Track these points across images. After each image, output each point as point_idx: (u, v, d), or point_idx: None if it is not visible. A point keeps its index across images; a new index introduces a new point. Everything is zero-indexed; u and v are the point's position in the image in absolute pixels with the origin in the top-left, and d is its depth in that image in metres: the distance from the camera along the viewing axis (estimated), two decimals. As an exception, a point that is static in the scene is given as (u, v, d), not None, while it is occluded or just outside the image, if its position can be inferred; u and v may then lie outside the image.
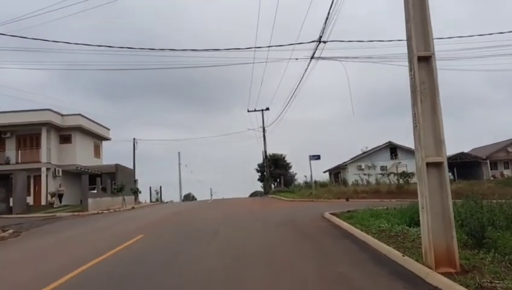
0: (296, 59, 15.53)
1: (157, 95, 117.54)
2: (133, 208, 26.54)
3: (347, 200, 24.09)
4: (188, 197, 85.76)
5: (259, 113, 44.39)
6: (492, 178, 48.01)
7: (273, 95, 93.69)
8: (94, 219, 19.15)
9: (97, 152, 36.78)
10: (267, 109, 44.18)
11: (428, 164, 5.92)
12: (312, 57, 14.76)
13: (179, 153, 55.59)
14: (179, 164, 55.29)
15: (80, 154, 32.53)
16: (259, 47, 15.27)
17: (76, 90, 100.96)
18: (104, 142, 38.55)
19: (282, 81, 71.19)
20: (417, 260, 6.14)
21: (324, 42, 14.24)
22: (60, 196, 29.08)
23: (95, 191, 27.60)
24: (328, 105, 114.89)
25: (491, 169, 50.40)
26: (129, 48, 14.18)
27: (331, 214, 13.09)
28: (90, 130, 34.01)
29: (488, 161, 49.89)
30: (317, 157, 25.75)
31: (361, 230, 9.41)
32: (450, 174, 47.33)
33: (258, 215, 14.54)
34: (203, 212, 17.90)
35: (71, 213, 23.19)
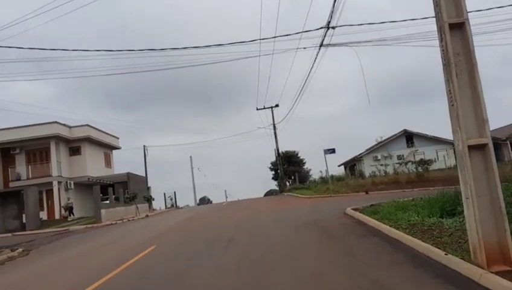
0: (304, 48, 14.75)
1: (167, 101, 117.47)
2: (147, 216, 26.00)
3: (366, 193, 23.21)
4: (204, 201, 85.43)
5: (269, 111, 43.60)
6: (514, 160, 46.54)
7: (281, 91, 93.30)
8: (107, 230, 18.60)
9: (108, 162, 36.41)
10: (277, 105, 43.34)
11: (470, 147, 5.07)
12: (321, 45, 13.93)
13: (190, 157, 55.10)
14: (192, 168, 54.85)
15: (91, 165, 32.16)
16: (265, 38, 14.43)
17: (85, 102, 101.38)
18: (114, 151, 38.20)
19: (291, 74, 70.22)
20: (463, 258, 5.31)
21: (333, 28, 13.40)
22: (70, 209, 28.70)
23: (108, 202, 27.15)
24: (339, 98, 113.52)
25: (512, 150, 48.76)
26: (129, 50, 13.50)
27: (353, 209, 12.27)
28: (99, 140, 33.64)
29: (508, 142, 48.24)
30: (332, 151, 24.84)
31: (390, 226, 8.57)
32: (469, 158, 46.14)
33: (275, 217, 13.76)
34: (216, 217, 17.20)
35: (85, 226, 22.73)
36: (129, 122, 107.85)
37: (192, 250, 8.86)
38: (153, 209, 36.96)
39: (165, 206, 44.73)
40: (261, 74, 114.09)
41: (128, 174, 32.56)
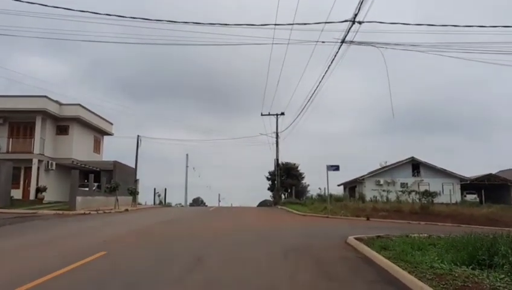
0: (323, 42, 12.69)
1: (177, 96, 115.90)
2: (126, 210, 23.85)
3: (368, 219, 21.01)
4: (197, 202, 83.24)
5: (273, 119, 41.58)
6: (521, 203, 44.26)
7: (290, 99, 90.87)
8: (74, 220, 16.50)
9: (97, 147, 34.30)
10: (282, 113, 41.28)
11: None
12: (343, 41, 11.88)
13: (187, 155, 52.93)
14: (186, 167, 52.61)
15: (77, 148, 30.07)
16: (280, 24, 12.28)
17: (99, 87, 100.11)
18: (107, 138, 36.12)
19: (301, 82, 68.03)
20: None
21: (359, 23, 11.35)
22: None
23: (87, 189, 25.01)
24: (344, 118, 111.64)
25: (520, 193, 46.42)
26: (118, 16, 11.52)
27: (356, 239, 10.11)
28: (91, 122, 31.55)
29: (521, 184, 45.99)
30: (336, 167, 22.68)
31: (410, 273, 6.43)
32: (476, 196, 43.85)
33: (263, 234, 11.58)
34: (198, 223, 15.02)
35: (54, 212, 20.63)
36: (132, 110, 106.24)
37: (145, 267, 6.71)
38: (138, 204, 34.79)
39: (154, 202, 42.56)
40: (272, 80, 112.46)
41: (115, 163, 30.43)
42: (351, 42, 11.83)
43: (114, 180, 27.89)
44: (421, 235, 10.76)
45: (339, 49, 12.47)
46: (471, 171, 54.68)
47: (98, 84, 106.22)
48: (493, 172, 49.09)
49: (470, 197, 43.30)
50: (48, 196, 27.06)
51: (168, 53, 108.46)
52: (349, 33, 11.82)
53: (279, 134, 40.73)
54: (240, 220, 16.89)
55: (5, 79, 72.36)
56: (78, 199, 22.19)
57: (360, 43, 11.86)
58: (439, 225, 20.20)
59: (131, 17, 12.30)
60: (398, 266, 6.90)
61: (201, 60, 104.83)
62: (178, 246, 8.88)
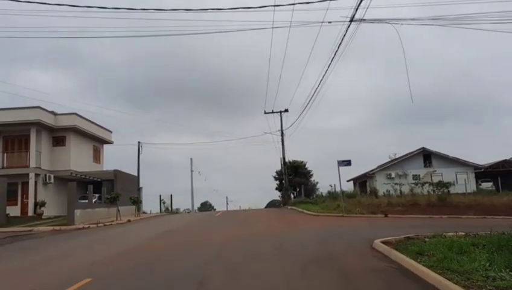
0: (329, 22, 11.33)
1: (180, 101, 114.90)
2: (128, 221, 22.58)
3: (386, 216, 19.66)
4: (205, 206, 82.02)
5: (277, 117, 40.12)
6: (539, 188, 42.57)
7: (293, 94, 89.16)
8: (68, 237, 15.26)
9: (97, 157, 33.10)
10: (286, 110, 39.83)
11: None
12: (352, 19, 10.52)
13: (191, 159, 51.56)
14: (191, 171, 51.26)
15: (76, 159, 28.88)
16: (279, 5, 10.90)
17: (102, 97, 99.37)
18: (106, 146, 34.90)
19: (306, 71, 66.60)
20: None
21: (369, -3, 9.99)
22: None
23: (86, 201, 23.81)
24: (350, 112, 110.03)
25: (537, 179, 44.70)
26: (100, 7, 10.23)
27: (383, 243, 8.77)
28: (88, 131, 30.36)
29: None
30: (348, 162, 21.30)
31: (466, 288, 5.08)
32: (491, 184, 42.19)
33: (275, 242, 10.23)
34: (200, 234, 13.63)
35: (52, 228, 19.45)
36: (135, 116, 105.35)
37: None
38: (142, 213, 33.60)
39: (160, 209, 41.33)
40: (274, 76, 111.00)
41: (116, 172, 29.23)
42: (362, 20, 10.48)
43: (115, 190, 26.70)
44: (457, 233, 9.38)
45: (348, 28, 11.14)
46: (483, 159, 53.04)
47: (100, 93, 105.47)
48: (507, 158, 47.49)
49: (486, 185, 41.71)
50: (47, 211, 25.89)
51: (168, 57, 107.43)
52: (359, 10, 10.46)
53: (284, 132, 39.36)
54: (249, 226, 15.57)
55: (7, 94, 71.65)
56: (77, 212, 20.99)
57: (371, 21, 10.52)
58: (462, 217, 18.84)
59: (114, 8, 10.98)
60: (447, 278, 5.56)
61: (203, 61, 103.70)
62: (177, 266, 7.56)
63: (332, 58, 14.61)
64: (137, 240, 12.61)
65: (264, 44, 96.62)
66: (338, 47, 13.28)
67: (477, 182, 42.80)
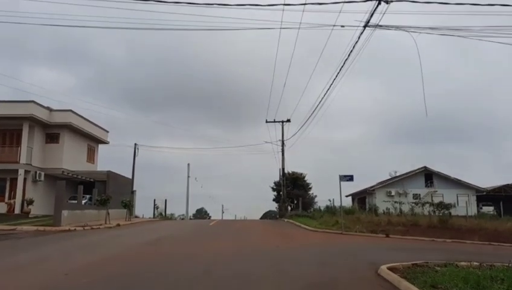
0: (342, 26, 10.55)
1: (182, 105, 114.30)
2: (118, 225, 21.59)
3: (387, 236, 18.70)
4: (201, 212, 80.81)
5: (279, 127, 39.30)
6: (542, 216, 41.62)
7: (296, 105, 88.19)
8: (50, 240, 14.32)
9: (91, 156, 32.18)
10: (288, 120, 39.04)
11: None
12: (366, 24, 9.75)
13: (188, 164, 50.58)
14: (188, 177, 50.26)
15: (68, 157, 27.98)
16: (289, 5, 10.08)
17: (104, 98, 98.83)
18: (101, 146, 34.02)
19: (312, 81, 66.02)
20: None
21: (387, 2, 9.24)
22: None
23: (75, 202, 22.86)
24: (352, 127, 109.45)
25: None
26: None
27: (389, 269, 7.88)
28: (83, 129, 29.48)
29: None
30: (350, 178, 20.39)
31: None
32: (493, 208, 41.20)
33: (272, 262, 9.27)
34: (189, 245, 12.61)
35: (36, 228, 18.50)
36: (135, 119, 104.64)
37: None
38: (134, 217, 32.61)
39: (154, 214, 40.28)
40: (278, 84, 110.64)
41: (109, 173, 28.29)
42: (377, 26, 9.71)
43: (107, 191, 25.74)
44: (471, 263, 8.49)
45: (361, 34, 10.37)
46: (484, 182, 52.14)
47: (103, 94, 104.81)
48: (509, 183, 46.63)
49: (487, 209, 40.76)
50: (35, 210, 24.95)
51: (172, 61, 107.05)
52: (374, 15, 9.68)
53: (285, 142, 38.53)
54: (243, 239, 14.63)
55: (13, 89, 70.73)
56: (64, 213, 20.01)
57: (387, 27, 9.74)
58: (467, 242, 17.90)
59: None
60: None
61: (206, 66, 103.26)
62: (158, 284, 6.64)
63: (342, 66, 13.88)
64: (120, 248, 11.65)
65: (271, 49, 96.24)
66: (348, 55, 12.53)
67: (478, 206, 41.92)
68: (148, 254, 10.20)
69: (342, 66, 13.91)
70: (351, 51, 12.20)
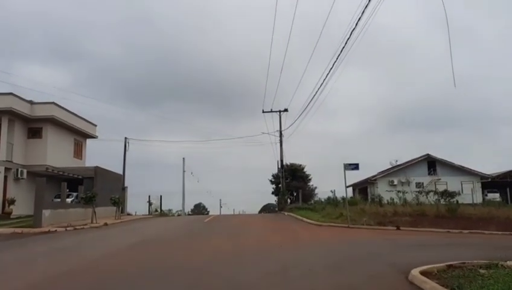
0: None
1: (178, 99, 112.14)
2: (105, 224, 19.93)
3: (398, 228, 17.20)
4: (199, 207, 79.27)
5: (276, 117, 37.62)
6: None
7: (293, 94, 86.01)
8: (24, 243, 12.79)
9: (78, 152, 30.43)
10: (286, 110, 37.38)
11: None
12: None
13: (183, 159, 48.86)
14: (183, 171, 48.57)
15: (53, 153, 26.25)
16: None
17: (102, 93, 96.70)
18: (89, 141, 32.25)
19: (309, 70, 64.22)
20: None
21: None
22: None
23: (59, 200, 21.20)
24: (351, 116, 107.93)
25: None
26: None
27: (422, 274, 6.32)
28: (69, 123, 27.70)
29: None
30: (355, 166, 18.85)
31: None
32: (498, 195, 39.83)
33: (274, 265, 7.69)
34: (180, 247, 10.89)
35: (13, 230, 16.86)
36: (132, 114, 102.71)
37: None
38: (127, 214, 31.05)
39: (148, 211, 38.67)
40: (274, 74, 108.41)
41: (97, 169, 26.56)
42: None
43: (95, 188, 24.05)
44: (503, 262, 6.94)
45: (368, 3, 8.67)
46: (487, 168, 50.75)
47: (102, 90, 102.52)
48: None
49: (492, 196, 39.45)
50: (18, 210, 23.29)
51: (167, 53, 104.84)
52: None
53: (282, 132, 36.90)
54: (241, 237, 13.00)
55: (10, 85, 68.41)
56: (45, 212, 18.36)
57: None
58: (485, 233, 16.43)
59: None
60: None
61: (202, 58, 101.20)
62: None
63: (339, 55, 12.46)
64: (102, 250, 10.02)
65: (266, 37, 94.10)
66: (346, 42, 11.05)
67: (483, 193, 40.64)
68: (132, 261, 8.49)
69: (339, 55, 12.43)
70: (348, 38, 10.64)
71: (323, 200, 34.32)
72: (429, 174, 42.09)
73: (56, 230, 16.96)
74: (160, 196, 40.54)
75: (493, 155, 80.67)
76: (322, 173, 78.00)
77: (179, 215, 45.47)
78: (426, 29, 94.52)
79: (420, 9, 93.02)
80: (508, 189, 38.18)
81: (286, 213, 28.88)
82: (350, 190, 48.81)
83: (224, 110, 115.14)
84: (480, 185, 41.89)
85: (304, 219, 21.40)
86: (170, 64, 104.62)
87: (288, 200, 37.94)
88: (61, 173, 26.25)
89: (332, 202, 29.82)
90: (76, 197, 24.57)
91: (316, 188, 43.72)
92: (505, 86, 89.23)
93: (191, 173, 50.98)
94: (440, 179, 40.93)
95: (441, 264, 7.07)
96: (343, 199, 25.86)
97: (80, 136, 30.46)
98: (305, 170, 42.86)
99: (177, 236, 14.05)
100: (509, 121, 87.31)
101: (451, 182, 39.26)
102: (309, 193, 41.26)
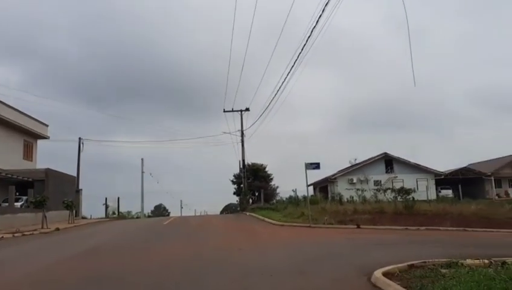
0: None
1: (138, 99, 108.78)
2: (57, 229, 18.84)
3: (358, 227, 17.37)
4: (159, 209, 77.35)
5: (238, 117, 37.27)
6: (496, 197, 42.52)
7: (255, 93, 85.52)
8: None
9: (28, 153, 28.72)
10: (247, 109, 37.12)
11: None
12: None
13: (142, 159, 47.48)
14: (142, 172, 47.20)
15: (0, 154, 24.55)
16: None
17: (58, 92, 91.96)
18: (40, 142, 30.54)
19: (270, 69, 64.28)
20: None
21: None
22: None
23: (7, 205, 19.85)
24: (311, 117, 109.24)
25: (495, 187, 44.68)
26: None
27: (385, 275, 6.21)
28: (16, 123, 26.04)
29: (492, 178, 44.28)
30: (316, 165, 18.92)
31: None
32: (451, 191, 41.57)
33: (234, 270, 7.36)
34: (132, 256, 10.02)
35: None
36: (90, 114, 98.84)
37: None
38: (81, 218, 29.70)
39: (106, 214, 37.22)
40: (235, 72, 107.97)
41: (48, 171, 25.15)
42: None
43: (46, 191, 22.75)
44: (481, 261, 6.99)
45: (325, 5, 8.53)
46: (440, 166, 52.93)
47: (56, 88, 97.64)
48: (466, 165, 47.45)
49: (445, 192, 41.19)
50: None
51: (127, 51, 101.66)
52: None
53: (244, 132, 36.62)
54: (200, 242, 12.55)
55: None
56: (-11, 218, 17.11)
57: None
58: (441, 229, 16.95)
59: None
60: None
61: (163, 58, 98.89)
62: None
63: (300, 53, 12.41)
64: (42, 263, 9.18)
65: (229, 36, 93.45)
66: (307, 40, 11.00)
67: (436, 189, 42.24)
68: (74, 274, 7.72)
69: (300, 53, 12.37)
70: (309, 36, 10.57)
71: (285, 199, 34.36)
72: (387, 172, 43.19)
73: (3, 237, 15.79)
74: (118, 198, 39.16)
75: (446, 153, 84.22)
76: (283, 173, 78.38)
77: (137, 217, 44.12)
78: (386, 30, 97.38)
79: (380, 10, 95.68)
80: (459, 185, 39.97)
81: (248, 213, 28.64)
82: (311, 188, 49.33)
83: (186, 109, 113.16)
84: (434, 182, 43.50)
85: (266, 219, 21.23)
86: (131, 64, 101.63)
87: (250, 200, 37.74)
88: (9, 175, 24.61)
89: (294, 201, 29.86)
90: (26, 201, 23.15)
91: (277, 187, 43.78)
92: (459, 86, 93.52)
93: (150, 174, 49.69)
94: (397, 176, 42.07)
95: (403, 264, 7.02)
96: (305, 197, 25.99)
97: (30, 136, 28.75)
98: (266, 169, 42.82)
99: (131, 242, 13.32)
100: (462, 121, 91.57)
101: (407, 180, 40.50)
102: (271, 193, 41.22)
